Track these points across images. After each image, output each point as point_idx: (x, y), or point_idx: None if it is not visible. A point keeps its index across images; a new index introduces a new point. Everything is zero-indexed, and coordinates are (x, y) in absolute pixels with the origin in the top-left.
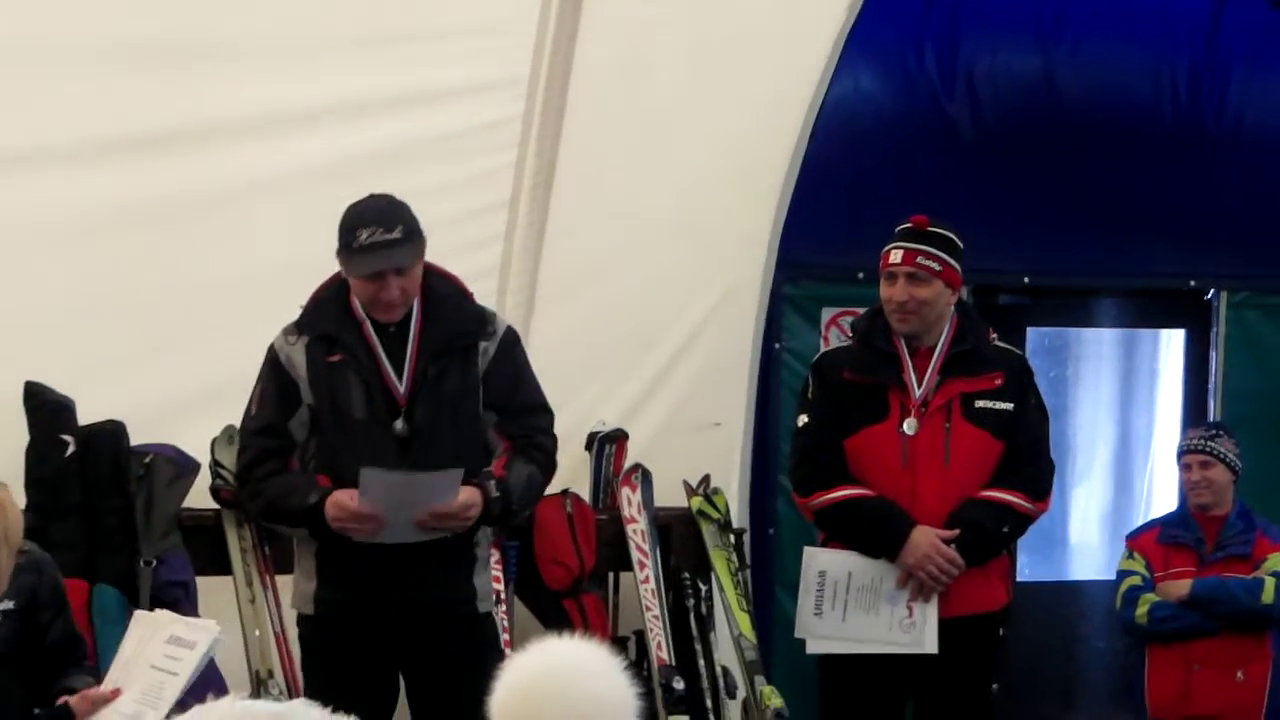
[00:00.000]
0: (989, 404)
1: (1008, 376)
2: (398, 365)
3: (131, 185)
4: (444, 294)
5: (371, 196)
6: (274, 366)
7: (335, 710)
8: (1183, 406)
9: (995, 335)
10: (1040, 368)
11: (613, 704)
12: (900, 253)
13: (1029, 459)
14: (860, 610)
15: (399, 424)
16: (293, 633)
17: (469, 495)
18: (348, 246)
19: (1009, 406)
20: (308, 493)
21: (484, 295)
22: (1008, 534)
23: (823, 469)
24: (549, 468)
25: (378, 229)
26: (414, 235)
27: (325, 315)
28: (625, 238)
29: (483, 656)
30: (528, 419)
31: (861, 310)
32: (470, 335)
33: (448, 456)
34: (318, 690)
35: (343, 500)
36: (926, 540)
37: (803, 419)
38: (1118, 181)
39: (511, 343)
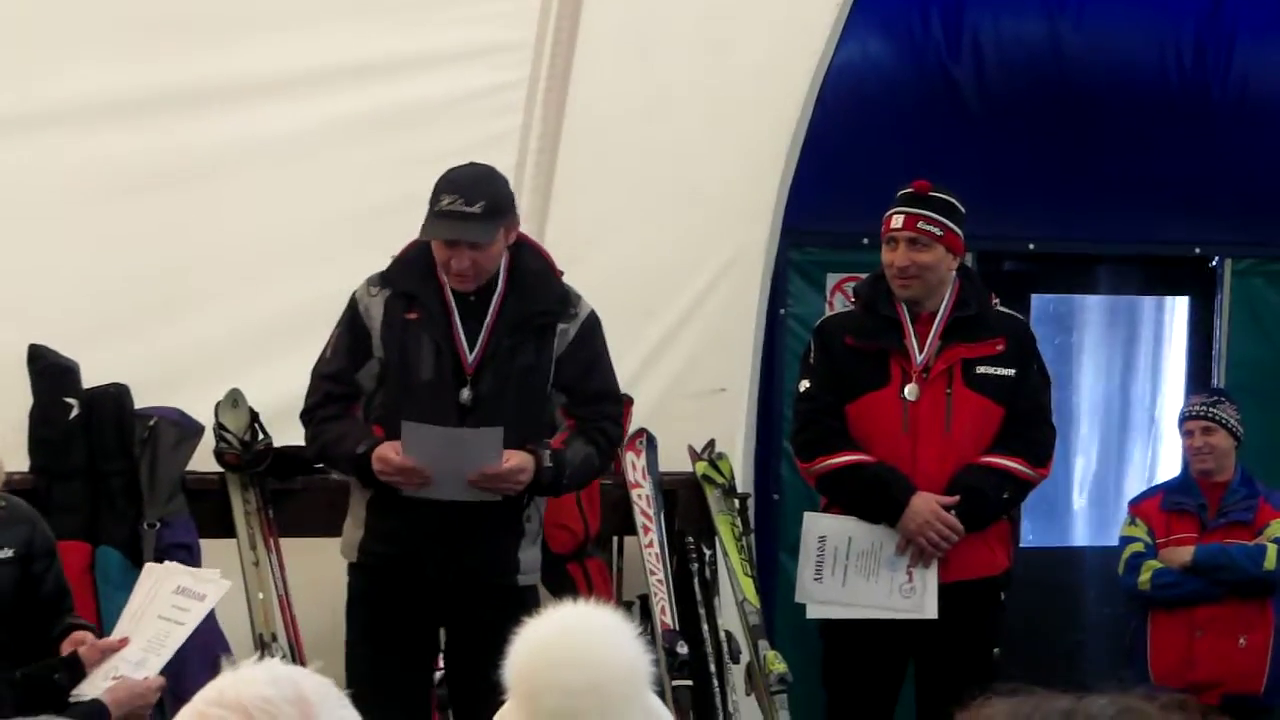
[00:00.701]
0: (990, 370)
1: (1009, 342)
2: (472, 333)
3: (137, 149)
4: (533, 269)
5: (470, 164)
6: (352, 315)
7: (377, 657)
8: (1186, 373)
9: (997, 301)
10: (1045, 335)
11: (626, 668)
12: (901, 218)
13: (1030, 425)
14: (860, 576)
15: (465, 392)
16: (296, 595)
17: (521, 460)
18: (431, 208)
19: (1010, 372)
20: (359, 441)
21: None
22: (1008, 500)
23: (825, 434)
24: (609, 453)
25: (459, 199)
26: (497, 212)
27: (410, 272)
28: (630, 202)
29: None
30: (597, 405)
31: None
32: (550, 315)
33: (507, 431)
34: (357, 639)
35: (387, 454)
36: (927, 506)
37: (805, 384)
38: (1122, 148)
39: (592, 327)
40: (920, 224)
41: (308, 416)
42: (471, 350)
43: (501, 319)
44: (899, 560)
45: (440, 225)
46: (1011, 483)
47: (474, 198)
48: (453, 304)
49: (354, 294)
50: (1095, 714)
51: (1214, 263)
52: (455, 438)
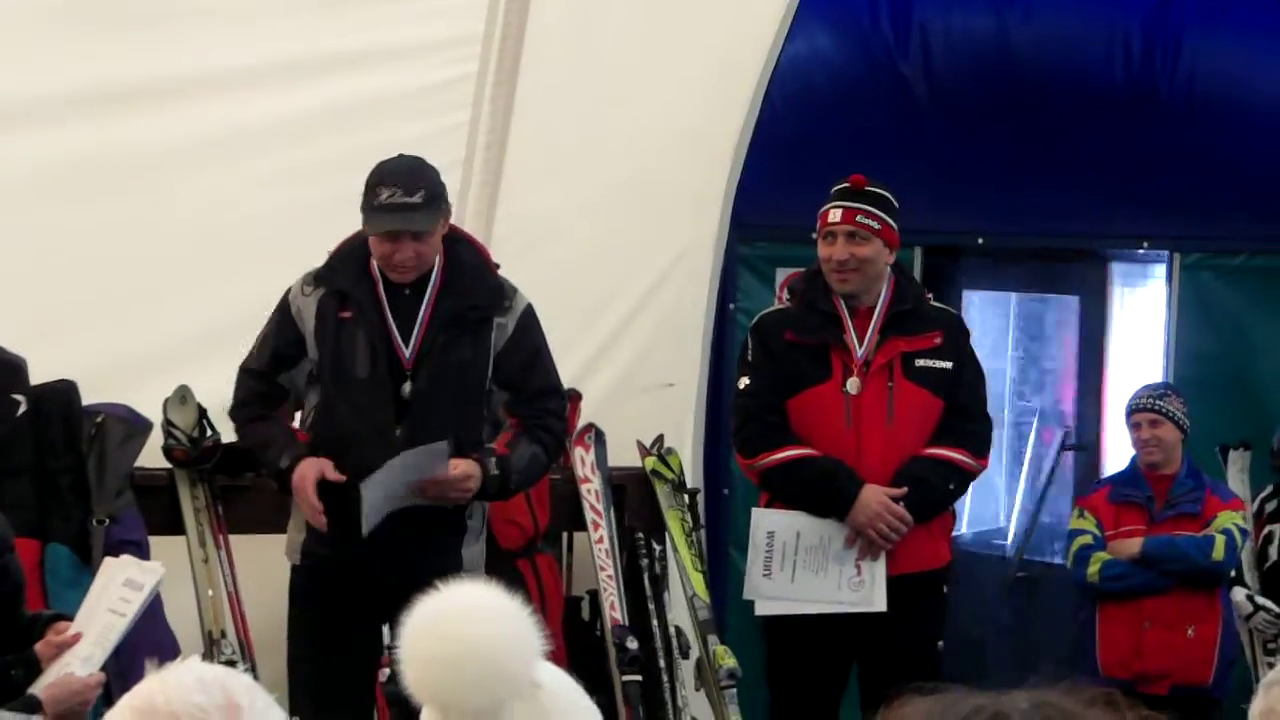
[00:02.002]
0: (929, 363)
1: (946, 335)
2: (407, 329)
3: (85, 144)
4: (468, 263)
5: (400, 156)
6: (283, 314)
7: (322, 658)
8: (1134, 368)
9: (930, 296)
10: (997, 328)
11: (510, 644)
12: (839, 211)
13: (969, 417)
14: (809, 571)
15: (407, 386)
16: (246, 593)
17: (468, 468)
18: (369, 204)
19: (948, 365)
20: (282, 451)
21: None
22: (953, 491)
23: (767, 430)
24: (555, 451)
25: (398, 190)
26: (435, 201)
27: (344, 270)
28: (579, 198)
29: None
30: (540, 401)
31: None
32: (485, 309)
33: (446, 426)
34: (301, 639)
35: (307, 482)
36: (876, 499)
37: (744, 381)
38: (1070, 143)
39: (529, 320)
40: (859, 218)
41: (235, 414)
42: (407, 346)
43: (436, 314)
44: (847, 554)
45: (384, 218)
46: (956, 474)
47: (412, 187)
48: (385, 301)
49: (287, 292)
50: (1008, 712)
51: (1163, 257)
52: (404, 466)
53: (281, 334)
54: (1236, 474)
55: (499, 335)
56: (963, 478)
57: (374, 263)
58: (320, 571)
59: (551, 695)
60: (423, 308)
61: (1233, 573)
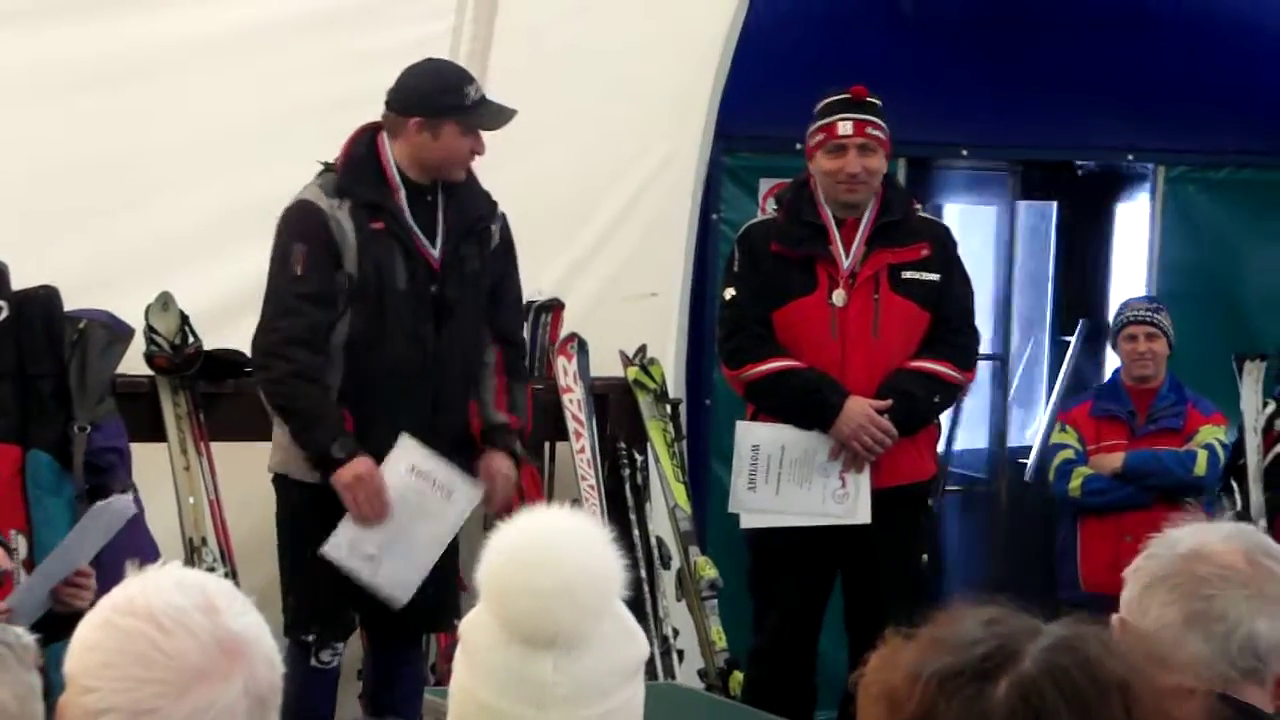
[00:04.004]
0: (915, 275)
1: (933, 247)
2: (430, 236)
3: (68, 49)
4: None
5: (441, 59)
6: (318, 228)
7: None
8: (1116, 280)
9: (919, 207)
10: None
11: (600, 574)
12: (850, 124)
13: (956, 330)
14: (794, 483)
15: (434, 291)
16: (227, 500)
17: (507, 467)
18: (458, 105)
19: (935, 277)
20: (334, 435)
21: None
22: (938, 404)
23: (752, 341)
24: (528, 375)
25: (477, 86)
26: None
27: (365, 180)
28: (562, 105)
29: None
30: (514, 313)
31: None
32: (486, 218)
33: (471, 329)
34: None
35: (375, 477)
36: (861, 410)
37: (730, 292)
38: (1057, 56)
39: (508, 229)
40: (869, 129)
41: (281, 349)
42: (435, 252)
43: (450, 220)
44: (832, 466)
45: (491, 113)
46: (941, 387)
47: (478, 85)
48: (408, 209)
49: (310, 205)
50: (1022, 654)
51: (1147, 169)
52: (443, 474)
53: (324, 247)
54: (1251, 384)
55: (491, 242)
56: (947, 390)
57: (390, 170)
58: (309, 486)
59: (625, 611)
60: (438, 216)
61: (1217, 488)
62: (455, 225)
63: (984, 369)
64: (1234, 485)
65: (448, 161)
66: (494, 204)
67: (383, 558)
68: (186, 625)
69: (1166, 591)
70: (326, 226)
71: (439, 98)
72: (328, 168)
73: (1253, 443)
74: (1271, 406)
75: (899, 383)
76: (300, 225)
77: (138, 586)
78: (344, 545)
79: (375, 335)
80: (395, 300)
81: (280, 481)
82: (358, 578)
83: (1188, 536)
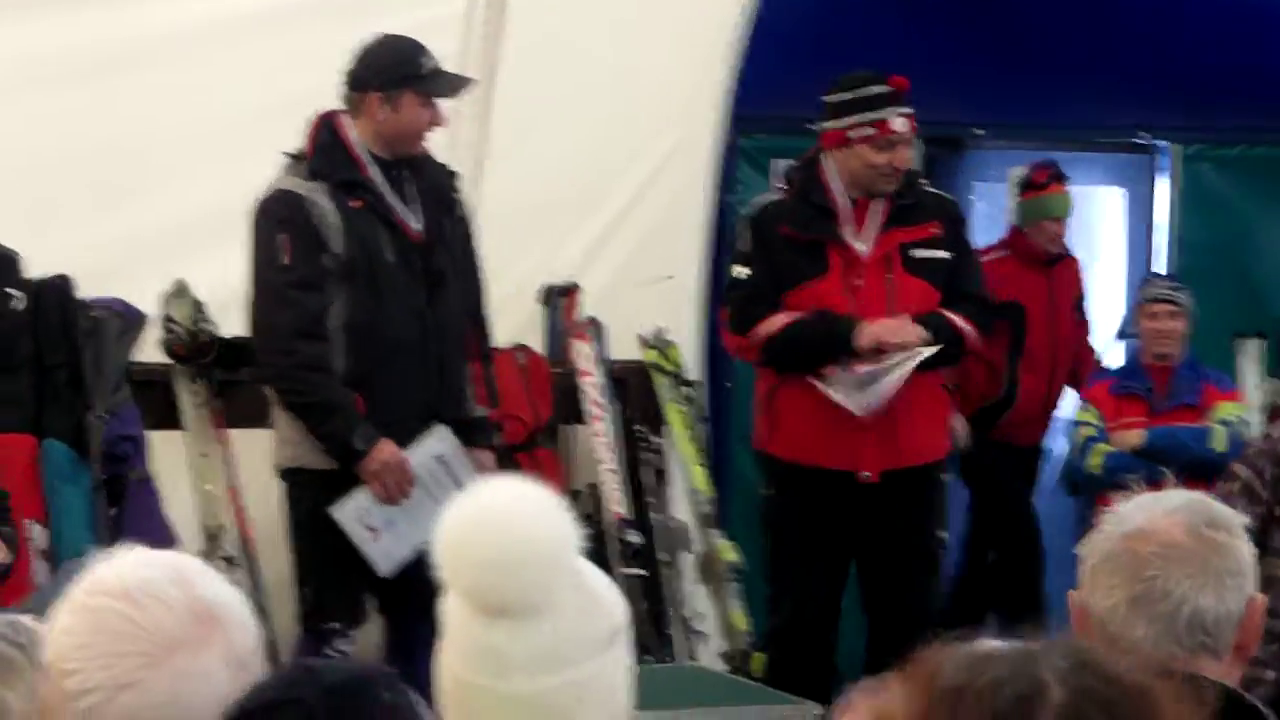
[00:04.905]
0: (928, 253)
1: (944, 225)
2: (406, 209)
3: (75, 33)
4: None
5: (398, 35)
6: (299, 213)
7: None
8: (1128, 259)
9: (925, 182)
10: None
11: (547, 542)
12: (904, 121)
13: (974, 300)
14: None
15: (421, 263)
16: (245, 486)
17: (493, 465)
18: (415, 75)
19: (946, 255)
20: (352, 426)
21: (434, 146)
22: (951, 353)
23: (761, 310)
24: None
25: (431, 55)
26: None
27: (337, 160)
28: (576, 87)
29: None
30: (479, 285)
31: None
32: (453, 189)
33: (459, 299)
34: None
35: (400, 460)
36: (878, 322)
37: (741, 271)
38: (1070, 33)
39: (463, 199)
40: (913, 124)
41: (283, 343)
42: (415, 225)
43: (422, 192)
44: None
45: (448, 80)
46: (957, 337)
47: (432, 55)
48: (384, 182)
49: (288, 193)
50: (1043, 688)
51: (1161, 148)
52: (465, 474)
53: (305, 234)
54: (1249, 363)
55: (458, 210)
56: (961, 343)
57: (357, 149)
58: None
59: (592, 582)
60: (408, 185)
61: None
62: (428, 196)
63: None
64: None
65: (408, 133)
66: (454, 173)
67: (383, 533)
68: (159, 597)
69: (1110, 574)
70: (307, 211)
71: (395, 69)
72: (295, 157)
73: (1255, 420)
74: (1277, 383)
75: (927, 317)
76: (281, 214)
77: (105, 568)
78: (351, 512)
79: (373, 313)
80: (387, 275)
81: (293, 475)
82: (353, 540)
83: (1134, 513)
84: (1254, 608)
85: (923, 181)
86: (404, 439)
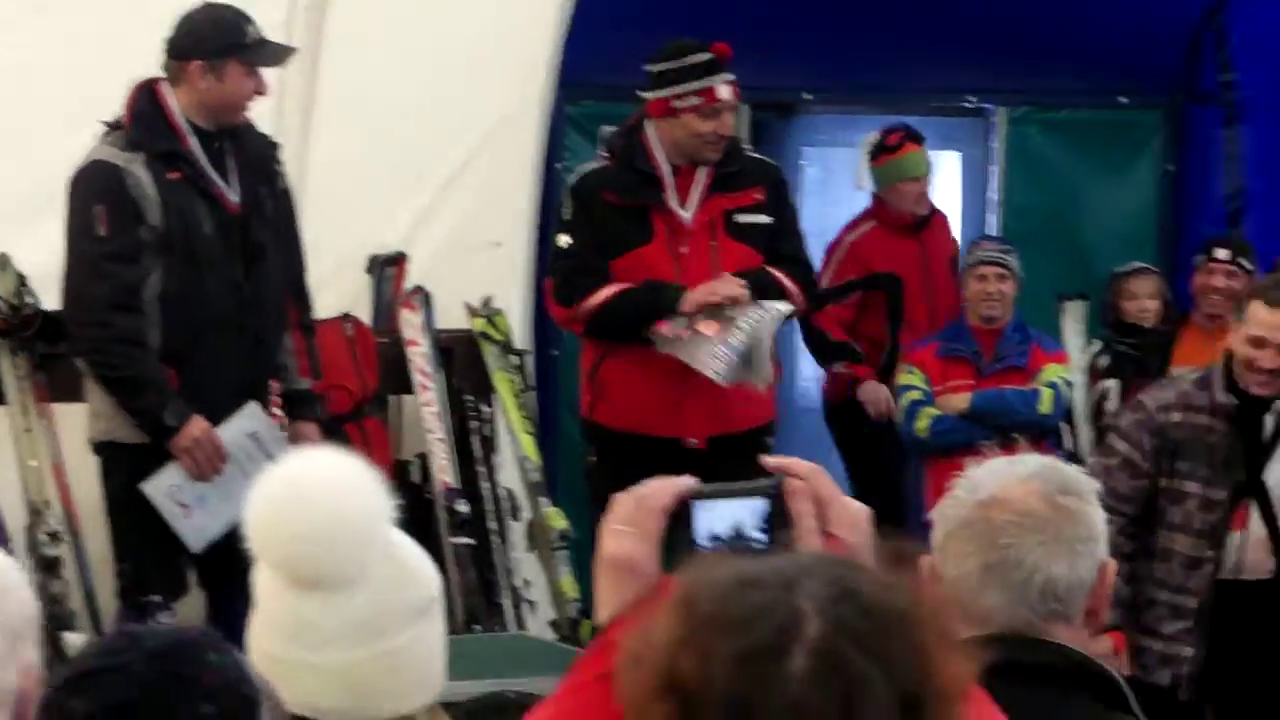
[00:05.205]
0: (750, 218)
1: (766, 190)
2: (224, 181)
3: None
4: None
5: (216, 3)
6: (115, 184)
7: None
8: (962, 223)
9: (748, 147)
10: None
11: (358, 515)
12: (729, 88)
13: (797, 264)
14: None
15: (239, 237)
16: (69, 460)
17: (316, 437)
18: (239, 44)
19: (768, 220)
20: (164, 401)
21: (259, 116)
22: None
23: (588, 281)
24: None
25: (256, 25)
26: None
27: (156, 130)
28: (403, 56)
29: None
30: (300, 258)
31: None
32: (274, 160)
33: (277, 271)
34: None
35: (211, 438)
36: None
37: (565, 240)
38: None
39: (285, 170)
40: (736, 90)
41: (98, 315)
42: (232, 196)
43: (240, 163)
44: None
45: (272, 51)
46: (782, 295)
47: (256, 25)
48: (202, 154)
49: (104, 164)
50: (803, 611)
51: (989, 111)
52: (279, 449)
53: (122, 205)
54: (1072, 324)
55: (280, 182)
56: (787, 301)
57: (177, 119)
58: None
59: (405, 553)
60: (227, 158)
61: (1060, 425)
62: (247, 167)
63: None
64: (1065, 424)
65: (232, 102)
66: (275, 144)
67: (194, 509)
68: None
69: (964, 541)
70: (124, 183)
71: (220, 38)
72: (112, 126)
73: (1079, 381)
74: (1097, 345)
75: (750, 274)
76: (97, 185)
77: None
78: (163, 487)
79: (189, 286)
80: (204, 248)
81: (107, 449)
82: (165, 516)
83: (988, 479)
84: (1104, 573)
85: (745, 147)
86: (220, 414)
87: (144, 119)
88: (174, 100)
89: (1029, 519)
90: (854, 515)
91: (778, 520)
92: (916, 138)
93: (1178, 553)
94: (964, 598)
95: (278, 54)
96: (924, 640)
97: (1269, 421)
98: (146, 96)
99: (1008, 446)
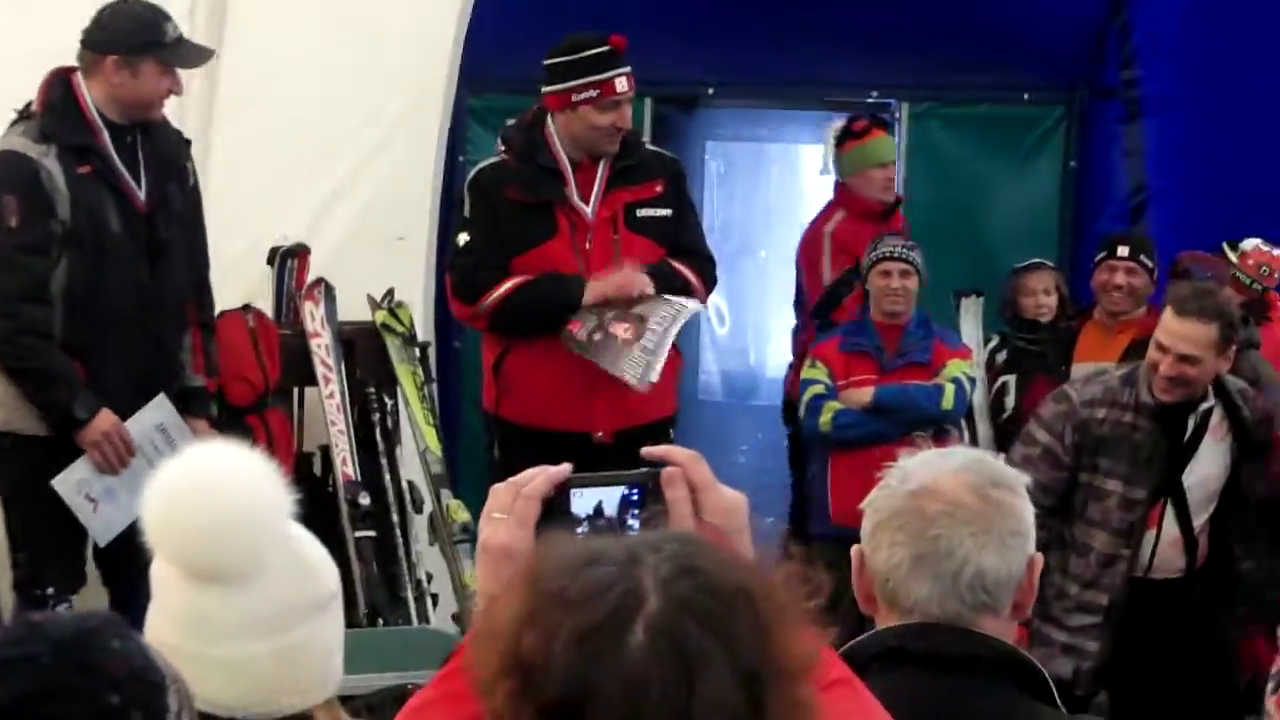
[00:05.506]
0: (651, 212)
1: (666, 183)
2: (134, 176)
3: None
4: None
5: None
6: (28, 176)
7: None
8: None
9: (646, 141)
10: (721, 178)
11: (257, 508)
12: (625, 80)
13: (699, 256)
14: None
15: (146, 234)
16: None
17: (209, 434)
18: (157, 42)
19: (668, 213)
20: (74, 395)
21: (164, 109)
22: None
23: (489, 277)
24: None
25: (175, 24)
26: None
27: (68, 122)
28: (307, 48)
29: None
30: (206, 257)
31: None
32: (185, 157)
33: (184, 270)
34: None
35: (120, 431)
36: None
37: (464, 237)
38: None
39: (195, 168)
40: (632, 80)
41: (7, 306)
42: (140, 193)
43: (150, 159)
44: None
45: (193, 51)
46: (686, 288)
47: (176, 24)
48: (113, 149)
49: (18, 154)
50: (644, 591)
51: (891, 106)
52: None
53: (34, 196)
54: (970, 320)
55: (189, 180)
56: (690, 293)
57: (90, 112)
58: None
59: (304, 548)
60: (139, 154)
61: (962, 420)
62: (157, 163)
63: None
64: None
65: (146, 100)
66: (187, 142)
67: (102, 503)
68: None
69: (895, 530)
70: (37, 175)
71: (138, 35)
72: (23, 114)
73: (978, 377)
74: (994, 341)
75: (653, 267)
76: (9, 176)
77: None
78: (73, 483)
79: (93, 281)
80: (111, 244)
81: (6, 440)
82: (74, 511)
83: (919, 470)
84: (1033, 567)
85: (643, 140)
86: (119, 409)
87: (57, 110)
88: (88, 93)
89: (960, 510)
90: (729, 502)
91: (653, 507)
92: (882, 124)
93: (1095, 549)
94: (893, 588)
95: (195, 55)
96: (766, 618)
97: (1191, 422)
98: (61, 86)
99: (910, 441)
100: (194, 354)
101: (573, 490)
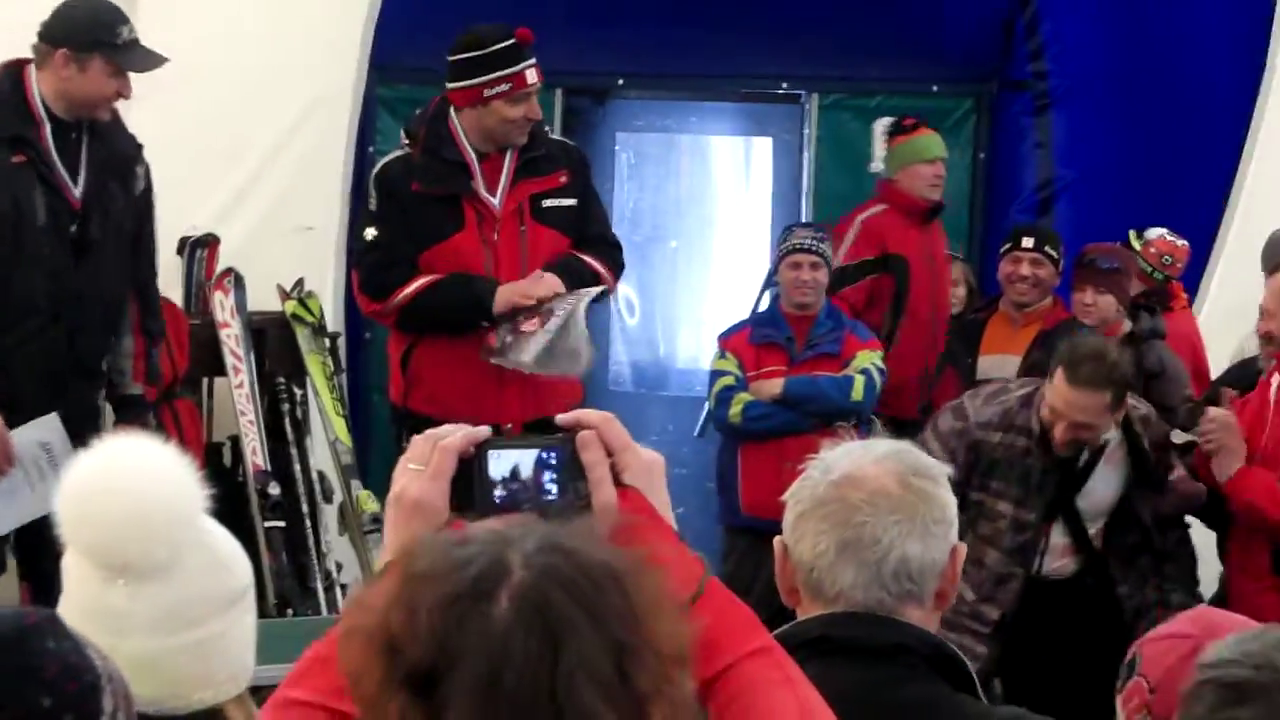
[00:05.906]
0: (556, 202)
1: (570, 172)
2: (72, 173)
3: None
4: None
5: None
6: None
7: None
8: (772, 209)
9: (549, 130)
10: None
11: (170, 502)
12: (535, 72)
13: (605, 243)
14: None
15: (75, 229)
16: None
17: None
18: (108, 42)
19: (573, 203)
20: None
21: None
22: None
23: (397, 274)
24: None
25: (132, 28)
26: None
27: (8, 113)
28: (215, 38)
29: None
30: (152, 262)
31: None
32: (133, 159)
33: (115, 270)
34: None
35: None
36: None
37: (371, 232)
38: None
39: (149, 172)
40: (540, 74)
41: None
42: (75, 190)
43: (94, 157)
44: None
45: (144, 55)
46: (593, 278)
47: (133, 27)
48: (53, 144)
49: None
50: (509, 563)
51: (800, 98)
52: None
53: None
54: None
55: (137, 184)
56: (598, 284)
57: (35, 103)
58: None
59: (217, 542)
60: (82, 151)
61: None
62: (99, 163)
63: None
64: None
65: (92, 99)
66: (139, 146)
67: None
68: None
69: (819, 520)
70: None
71: (90, 32)
72: None
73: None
74: None
75: (555, 261)
76: None
77: None
78: None
79: (8, 271)
80: (32, 236)
81: None
82: None
83: (842, 460)
84: (955, 556)
85: (546, 129)
86: (23, 402)
87: (2, 99)
88: (36, 85)
89: (884, 499)
90: (645, 463)
91: (571, 470)
92: (929, 123)
93: (987, 566)
94: (818, 577)
95: (145, 59)
96: (637, 598)
97: (1086, 452)
98: (11, 77)
99: (833, 433)
100: (135, 360)
101: (490, 451)
